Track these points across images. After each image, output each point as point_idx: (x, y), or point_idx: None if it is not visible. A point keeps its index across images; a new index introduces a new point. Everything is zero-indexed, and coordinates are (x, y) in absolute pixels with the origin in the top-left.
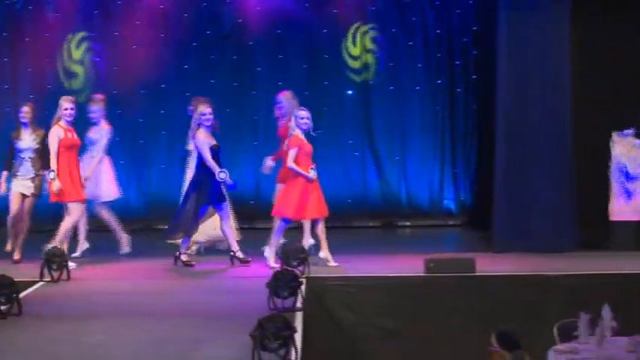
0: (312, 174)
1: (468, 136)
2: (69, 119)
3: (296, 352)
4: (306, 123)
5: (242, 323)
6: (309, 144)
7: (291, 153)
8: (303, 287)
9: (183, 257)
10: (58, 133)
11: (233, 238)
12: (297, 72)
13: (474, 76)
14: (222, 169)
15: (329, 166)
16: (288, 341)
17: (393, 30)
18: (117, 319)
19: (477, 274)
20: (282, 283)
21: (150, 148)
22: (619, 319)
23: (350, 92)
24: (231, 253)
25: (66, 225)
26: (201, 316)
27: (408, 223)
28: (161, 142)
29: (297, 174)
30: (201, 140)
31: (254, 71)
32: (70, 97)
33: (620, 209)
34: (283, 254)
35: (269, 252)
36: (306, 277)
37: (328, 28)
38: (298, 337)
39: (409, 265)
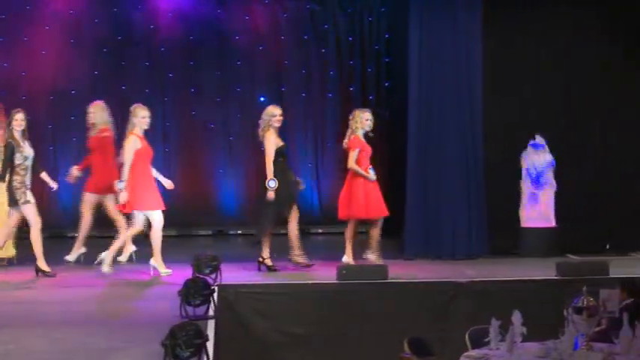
0: (372, 174)
1: (381, 142)
2: (146, 127)
3: None
4: (369, 125)
5: (154, 331)
6: (369, 145)
7: (354, 154)
8: (215, 295)
9: (268, 262)
10: (135, 142)
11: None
12: (209, 78)
13: (386, 84)
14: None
15: (240, 173)
16: (200, 349)
17: (305, 37)
18: (26, 328)
19: (390, 280)
20: (193, 291)
21: (59, 155)
22: (529, 324)
23: (262, 99)
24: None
25: (156, 234)
26: (113, 324)
27: (320, 231)
28: (71, 149)
29: (359, 175)
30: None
31: (165, 77)
32: (144, 106)
33: (529, 215)
34: (195, 262)
35: (371, 255)
36: (217, 285)
37: (240, 35)
38: (210, 345)
39: (321, 273)
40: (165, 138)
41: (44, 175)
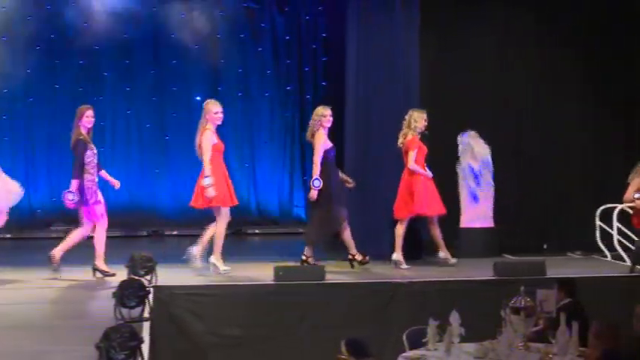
0: (429, 173)
1: None
2: (219, 123)
3: None
4: (424, 125)
5: (88, 334)
6: (424, 145)
7: (413, 154)
8: (150, 296)
9: (358, 257)
10: (211, 137)
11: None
12: (144, 77)
13: (324, 83)
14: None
15: (177, 173)
16: (135, 352)
17: (242, 36)
18: None
19: (327, 281)
20: (128, 293)
21: None
22: (467, 324)
23: (198, 98)
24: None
25: (221, 229)
26: (46, 327)
27: (257, 231)
28: (4, 148)
29: (419, 174)
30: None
31: (100, 76)
32: (216, 101)
33: (469, 216)
34: (130, 263)
35: (443, 254)
36: (153, 286)
37: (176, 33)
38: (145, 348)
39: (258, 274)
40: (100, 138)
41: (104, 174)
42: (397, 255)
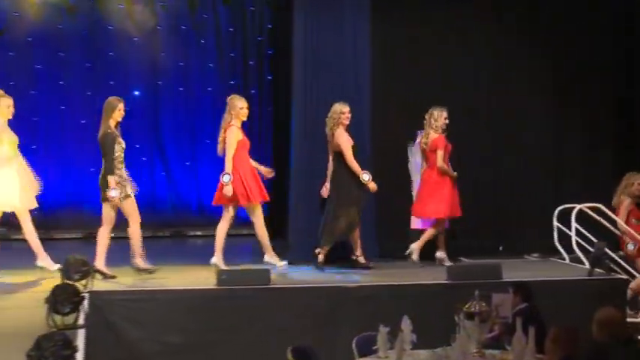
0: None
1: (263, 140)
2: (245, 119)
3: None
4: (444, 122)
5: (18, 342)
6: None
7: (441, 153)
8: (85, 302)
9: (362, 260)
10: (237, 133)
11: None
12: (79, 70)
13: (269, 77)
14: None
15: None
16: None
17: (183, 27)
18: None
19: (273, 285)
20: (62, 299)
21: None
22: (419, 331)
23: (137, 93)
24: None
25: (261, 227)
26: None
27: (199, 233)
28: None
29: (446, 174)
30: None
31: (32, 69)
32: (240, 96)
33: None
34: (63, 267)
35: (441, 254)
36: (88, 292)
37: (114, 24)
38: (80, 357)
39: (200, 278)
40: (33, 134)
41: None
42: (440, 253)
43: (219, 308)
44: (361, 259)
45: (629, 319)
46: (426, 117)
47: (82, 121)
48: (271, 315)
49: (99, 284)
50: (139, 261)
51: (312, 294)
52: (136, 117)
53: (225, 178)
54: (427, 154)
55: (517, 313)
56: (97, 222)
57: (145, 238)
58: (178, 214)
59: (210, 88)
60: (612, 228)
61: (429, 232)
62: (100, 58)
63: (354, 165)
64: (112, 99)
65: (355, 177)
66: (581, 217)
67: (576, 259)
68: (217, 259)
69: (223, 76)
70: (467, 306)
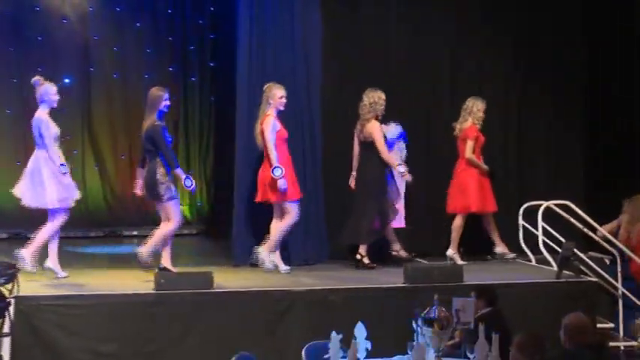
0: (485, 166)
1: (205, 132)
2: (282, 109)
3: None
4: (482, 116)
5: None
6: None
7: (471, 144)
8: (11, 309)
9: (403, 254)
10: (274, 124)
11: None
12: (3, 56)
13: (212, 64)
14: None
15: None
16: None
17: (118, 9)
18: None
19: (215, 290)
20: None
21: None
22: (374, 338)
23: (67, 80)
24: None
25: (287, 224)
26: None
27: (135, 233)
28: None
29: (474, 165)
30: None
31: None
32: (281, 85)
33: None
34: None
35: (500, 250)
36: (14, 297)
37: (41, 5)
38: None
39: (137, 282)
40: None
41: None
42: (451, 251)
43: (158, 315)
44: (402, 253)
45: (599, 325)
46: (468, 104)
47: (8, 111)
48: (214, 322)
49: (28, 288)
50: (166, 262)
51: (258, 298)
52: (66, 106)
53: (277, 172)
54: (458, 144)
55: (480, 318)
56: (23, 221)
57: (75, 239)
58: (113, 213)
59: (147, 75)
60: (581, 227)
61: (457, 229)
62: (27, 43)
63: (388, 157)
64: (155, 89)
65: (385, 169)
66: (549, 215)
67: (543, 261)
68: (276, 258)
69: (161, 62)
70: (425, 311)
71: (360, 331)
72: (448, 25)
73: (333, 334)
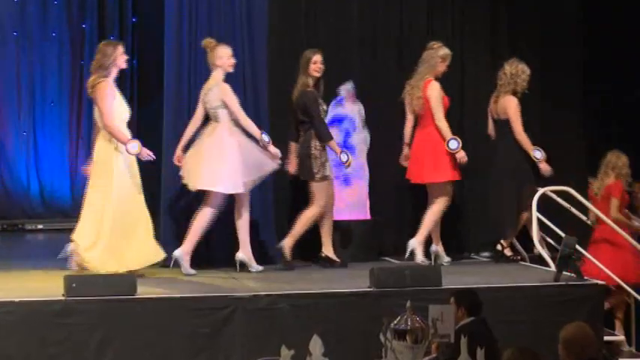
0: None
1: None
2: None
3: None
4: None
5: None
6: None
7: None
8: None
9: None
10: (440, 89)
11: None
12: None
13: (134, 20)
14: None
15: None
16: None
17: None
18: None
19: (138, 296)
20: None
21: None
22: (333, 353)
23: None
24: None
25: (442, 206)
26: None
27: (41, 227)
28: None
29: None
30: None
31: None
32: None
33: (337, 204)
34: None
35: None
36: None
37: None
38: None
39: (43, 285)
40: None
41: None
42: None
43: (68, 325)
44: (507, 252)
45: (606, 338)
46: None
47: None
48: (137, 334)
49: None
50: (328, 250)
51: (190, 306)
52: None
53: (453, 144)
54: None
55: (461, 329)
56: None
57: None
58: (12, 202)
59: (54, 34)
60: (585, 219)
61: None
62: None
63: (524, 138)
64: (307, 52)
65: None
66: (546, 204)
67: (538, 259)
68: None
69: (71, 19)
70: (396, 321)
71: (315, 345)
72: None
73: (283, 349)
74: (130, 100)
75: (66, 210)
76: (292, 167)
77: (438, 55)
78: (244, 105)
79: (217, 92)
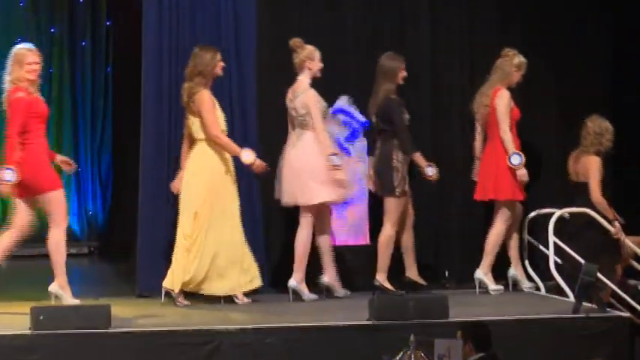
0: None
1: (99, 114)
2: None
3: None
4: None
5: None
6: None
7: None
8: None
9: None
10: (510, 99)
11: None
12: None
13: (108, 23)
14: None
15: None
16: None
17: None
18: None
19: (113, 330)
20: None
21: None
22: None
23: None
24: None
25: (503, 227)
26: None
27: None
28: None
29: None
30: None
31: None
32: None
33: (334, 228)
34: None
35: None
36: None
37: None
38: None
39: (6, 318)
40: None
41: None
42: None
43: None
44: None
45: None
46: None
47: None
48: None
49: None
50: (412, 273)
51: (170, 341)
52: None
53: (515, 160)
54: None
55: None
56: None
57: None
58: None
59: (19, 39)
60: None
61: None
62: None
63: (603, 202)
64: (393, 60)
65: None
66: (563, 227)
67: (556, 289)
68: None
69: (40, 22)
70: (398, 357)
71: None
72: None
73: None
74: (103, 113)
75: (32, 234)
76: (373, 184)
77: (513, 63)
78: (231, 116)
79: (303, 99)
